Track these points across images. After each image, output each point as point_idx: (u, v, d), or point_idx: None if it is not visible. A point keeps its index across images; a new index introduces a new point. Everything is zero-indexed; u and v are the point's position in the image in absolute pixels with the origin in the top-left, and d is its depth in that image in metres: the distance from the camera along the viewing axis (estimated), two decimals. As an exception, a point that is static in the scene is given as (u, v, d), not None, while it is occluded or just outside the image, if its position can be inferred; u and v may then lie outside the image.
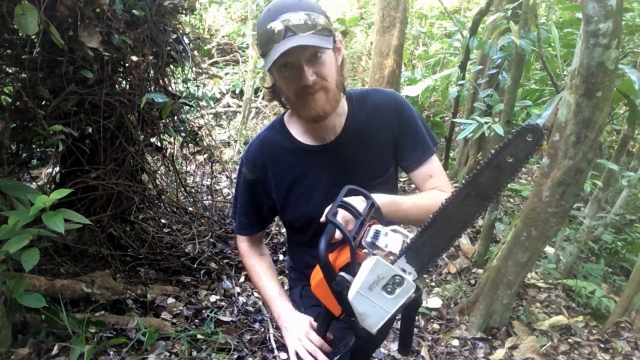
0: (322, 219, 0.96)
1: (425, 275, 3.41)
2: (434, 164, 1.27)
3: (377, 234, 0.94)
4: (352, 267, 0.92)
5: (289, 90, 1.10)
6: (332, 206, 0.97)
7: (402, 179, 4.53)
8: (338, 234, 0.96)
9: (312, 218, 1.23)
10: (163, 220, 3.30)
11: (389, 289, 0.90)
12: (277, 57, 0.99)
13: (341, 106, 1.20)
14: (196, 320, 2.51)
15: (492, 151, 0.88)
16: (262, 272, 1.34)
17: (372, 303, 0.91)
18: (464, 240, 3.93)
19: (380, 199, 1.05)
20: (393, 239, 0.94)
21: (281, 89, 1.15)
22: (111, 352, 2.07)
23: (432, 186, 1.25)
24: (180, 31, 2.75)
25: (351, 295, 0.91)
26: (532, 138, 0.84)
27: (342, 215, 0.98)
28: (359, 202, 1.01)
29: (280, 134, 1.25)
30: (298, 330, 1.14)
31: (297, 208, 1.25)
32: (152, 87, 2.62)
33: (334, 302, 0.98)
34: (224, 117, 6.91)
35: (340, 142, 1.21)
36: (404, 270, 0.90)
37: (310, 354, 1.09)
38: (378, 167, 1.25)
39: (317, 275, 1.01)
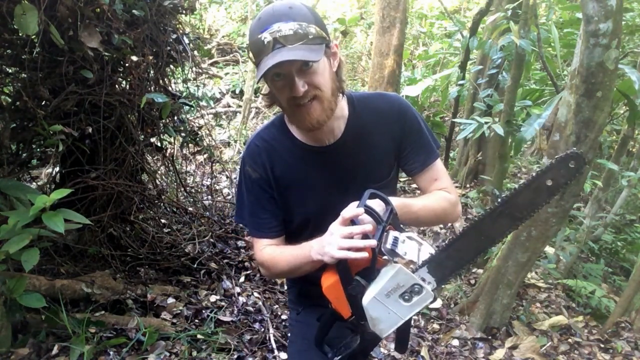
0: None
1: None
2: (438, 167, 1.27)
3: (395, 240, 0.94)
4: (371, 273, 0.93)
5: (282, 99, 1.09)
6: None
7: (402, 179, 4.53)
8: None
9: (308, 219, 1.23)
10: (163, 220, 3.30)
11: (406, 297, 0.90)
12: (264, 71, 0.98)
13: (340, 109, 1.19)
14: (196, 320, 2.51)
15: (533, 174, 0.90)
16: (280, 252, 1.21)
17: (386, 309, 0.91)
18: (464, 240, 3.93)
19: (393, 201, 1.04)
20: (410, 246, 0.95)
21: (277, 97, 1.14)
22: (111, 352, 2.07)
23: (437, 189, 1.25)
24: (180, 31, 2.74)
25: (366, 300, 0.91)
26: (575, 165, 0.87)
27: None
28: (379, 207, 1.00)
29: (280, 132, 1.24)
30: (331, 236, 0.97)
31: (294, 208, 1.24)
32: (152, 87, 2.61)
33: (344, 304, 0.98)
34: (224, 117, 6.91)
35: (340, 145, 1.21)
36: (424, 280, 0.91)
37: (357, 247, 0.93)
38: (378, 171, 1.25)
39: (330, 277, 1.01)
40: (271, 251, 1.23)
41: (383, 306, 0.91)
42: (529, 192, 0.89)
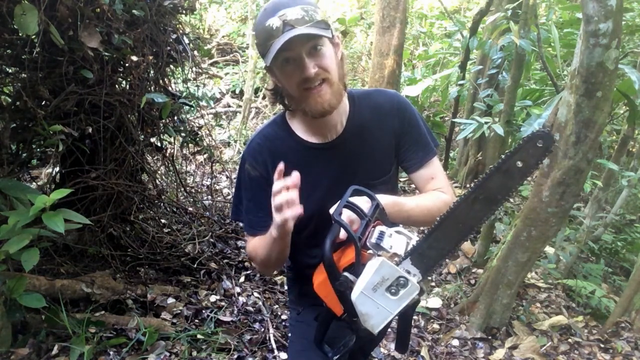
0: (333, 214, 0.95)
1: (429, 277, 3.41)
2: (436, 165, 1.27)
3: (381, 235, 0.94)
4: (356, 268, 0.92)
5: (292, 85, 1.09)
6: (338, 206, 0.97)
7: (402, 179, 4.53)
8: (343, 234, 0.96)
9: (310, 217, 1.22)
10: (163, 220, 3.30)
11: (392, 290, 0.90)
12: (277, 49, 1.00)
13: (343, 105, 1.20)
14: (196, 320, 2.51)
15: (503, 156, 0.88)
16: (259, 239, 1.23)
17: (375, 304, 0.91)
18: (464, 240, 3.93)
19: (384, 199, 1.05)
20: (397, 240, 0.94)
21: (284, 87, 1.14)
22: (111, 352, 2.07)
23: (434, 187, 1.25)
24: (180, 31, 2.74)
25: (354, 295, 0.91)
26: (543, 144, 0.85)
27: (347, 215, 0.98)
28: (364, 203, 1.00)
29: (282, 130, 1.24)
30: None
31: None
32: (152, 87, 2.61)
33: (336, 301, 0.98)
34: (224, 117, 6.91)
35: (342, 141, 1.21)
36: (408, 272, 0.90)
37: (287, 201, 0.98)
38: (379, 167, 1.25)
39: (320, 274, 1.01)
40: (254, 241, 1.25)
41: (371, 301, 0.90)
42: (501, 175, 0.89)
